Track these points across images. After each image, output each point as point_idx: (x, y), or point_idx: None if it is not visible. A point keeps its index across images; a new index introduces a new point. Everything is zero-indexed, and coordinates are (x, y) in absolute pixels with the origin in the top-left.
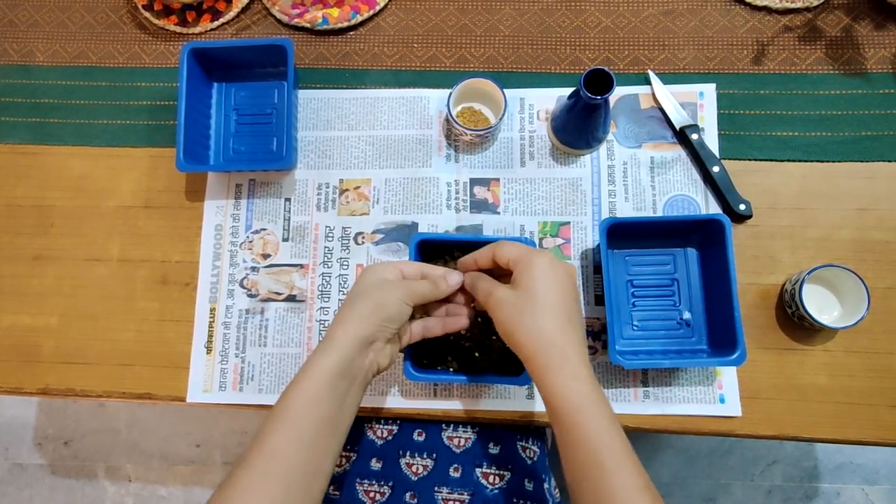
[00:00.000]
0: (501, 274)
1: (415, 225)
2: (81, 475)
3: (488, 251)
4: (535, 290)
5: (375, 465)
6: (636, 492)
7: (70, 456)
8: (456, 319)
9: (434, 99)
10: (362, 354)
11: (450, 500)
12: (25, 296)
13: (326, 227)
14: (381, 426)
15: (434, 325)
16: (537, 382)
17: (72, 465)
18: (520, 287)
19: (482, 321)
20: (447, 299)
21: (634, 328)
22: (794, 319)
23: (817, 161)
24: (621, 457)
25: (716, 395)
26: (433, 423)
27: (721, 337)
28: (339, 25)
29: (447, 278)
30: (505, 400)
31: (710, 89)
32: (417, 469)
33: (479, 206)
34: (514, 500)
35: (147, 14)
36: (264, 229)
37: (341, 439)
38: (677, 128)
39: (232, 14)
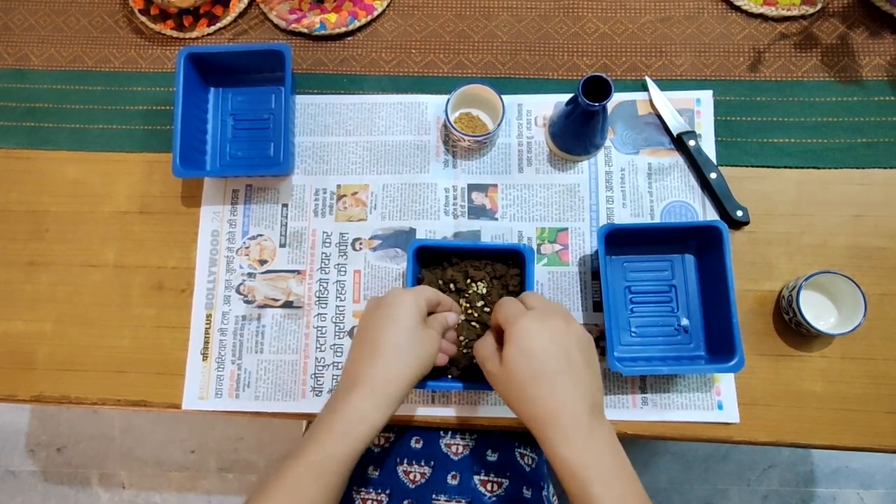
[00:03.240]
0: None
1: (412, 231)
2: (75, 482)
3: (495, 311)
4: (515, 363)
5: (372, 472)
6: None
7: (63, 463)
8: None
9: (432, 105)
10: None
11: None
12: (19, 302)
13: (324, 232)
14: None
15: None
16: (543, 451)
17: (65, 472)
18: (505, 361)
19: (479, 326)
20: None
21: (633, 335)
22: (791, 326)
23: (813, 168)
24: None
25: (714, 401)
26: (431, 431)
27: (719, 343)
28: (337, 31)
29: (448, 319)
30: (503, 407)
31: (706, 96)
32: (415, 476)
33: (477, 212)
34: None
35: (143, 18)
36: (261, 235)
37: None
38: (675, 134)
39: (229, 19)
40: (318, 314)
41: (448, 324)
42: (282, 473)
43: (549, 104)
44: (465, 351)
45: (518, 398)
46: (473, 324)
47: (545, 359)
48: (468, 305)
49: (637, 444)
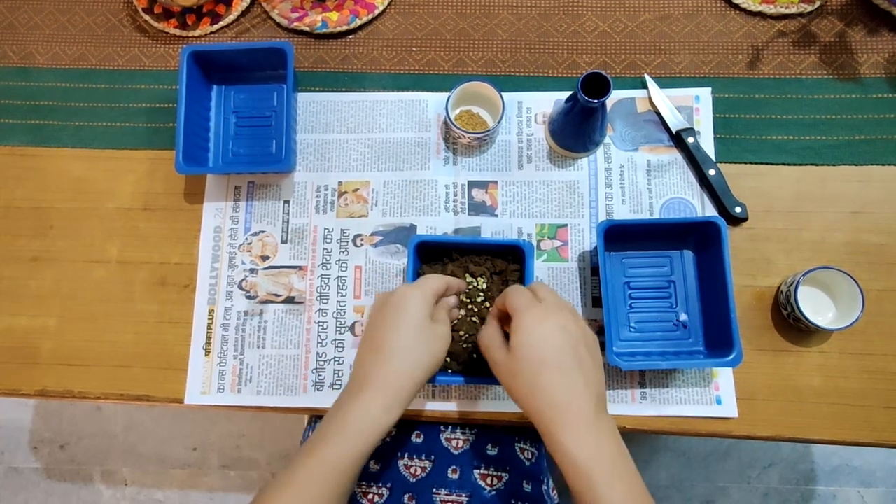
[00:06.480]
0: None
1: (413, 227)
2: (77, 479)
3: (501, 297)
4: (525, 352)
5: (373, 466)
6: None
7: (66, 460)
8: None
9: (432, 102)
10: None
11: (448, 501)
12: (24, 297)
13: (325, 229)
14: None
15: None
16: (545, 442)
17: (67, 469)
18: (512, 349)
19: (479, 322)
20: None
21: (632, 330)
22: (789, 321)
23: (812, 164)
24: None
25: (712, 396)
26: (431, 425)
27: (717, 338)
28: (339, 29)
29: (448, 302)
30: (503, 401)
31: (705, 93)
32: (416, 470)
33: (477, 208)
34: (513, 502)
35: (147, 17)
36: (263, 231)
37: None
38: (673, 131)
39: (231, 17)
40: (320, 310)
41: (451, 305)
42: (293, 469)
43: (548, 101)
44: (465, 346)
45: (525, 388)
46: (474, 319)
47: (556, 350)
48: (468, 301)
49: (638, 440)
